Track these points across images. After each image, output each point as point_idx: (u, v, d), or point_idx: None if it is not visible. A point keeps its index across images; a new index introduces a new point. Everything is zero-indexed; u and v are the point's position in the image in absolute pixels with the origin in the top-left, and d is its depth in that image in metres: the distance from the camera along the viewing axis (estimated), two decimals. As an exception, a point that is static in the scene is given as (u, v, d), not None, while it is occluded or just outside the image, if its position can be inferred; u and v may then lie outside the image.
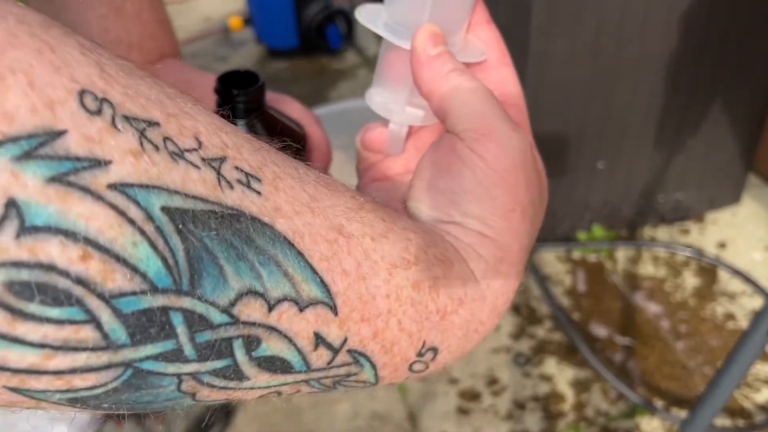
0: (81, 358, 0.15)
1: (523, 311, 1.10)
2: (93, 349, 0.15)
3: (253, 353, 0.17)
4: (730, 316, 1.08)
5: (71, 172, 0.14)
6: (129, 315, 0.15)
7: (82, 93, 0.14)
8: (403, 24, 0.27)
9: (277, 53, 1.93)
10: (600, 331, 1.06)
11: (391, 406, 0.95)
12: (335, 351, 0.19)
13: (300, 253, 0.18)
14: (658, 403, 0.95)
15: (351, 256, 0.19)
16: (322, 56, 1.95)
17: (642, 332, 1.06)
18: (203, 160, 0.16)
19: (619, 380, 0.95)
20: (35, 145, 0.13)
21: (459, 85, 0.25)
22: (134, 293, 0.15)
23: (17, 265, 0.13)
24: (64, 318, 0.14)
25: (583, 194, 1.19)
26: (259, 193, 0.17)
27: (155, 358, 0.16)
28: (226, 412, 0.94)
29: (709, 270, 1.17)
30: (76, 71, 0.15)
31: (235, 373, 0.17)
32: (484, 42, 0.28)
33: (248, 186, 0.17)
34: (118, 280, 0.14)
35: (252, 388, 0.18)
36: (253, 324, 0.17)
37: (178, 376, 0.16)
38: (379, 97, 0.29)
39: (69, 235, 0.14)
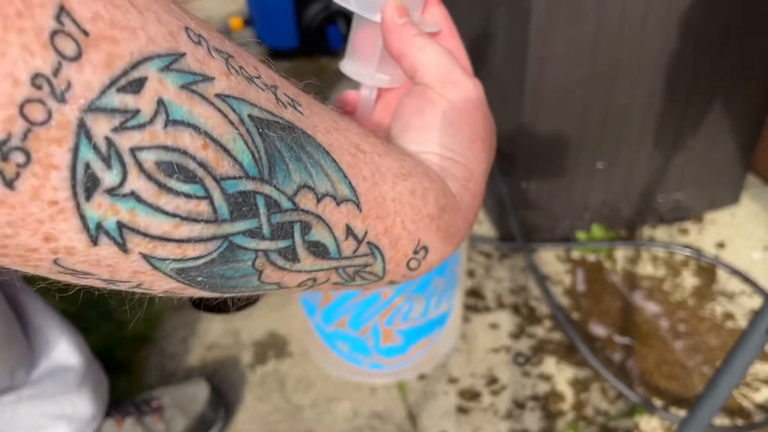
0: (197, 229, 0.19)
1: (522, 311, 1.11)
2: (206, 222, 0.19)
3: (305, 237, 0.22)
4: (729, 316, 1.08)
5: (193, 83, 0.18)
6: (230, 195, 0.19)
7: (187, 29, 0.19)
8: (371, 2, 0.32)
9: (278, 54, 1.93)
10: (599, 330, 1.07)
11: (391, 406, 0.96)
12: (359, 241, 0.24)
13: (334, 160, 0.23)
14: (657, 402, 0.95)
15: (367, 167, 0.24)
16: (323, 56, 1.96)
17: (641, 332, 1.06)
18: (265, 85, 0.21)
19: (618, 380, 0.95)
20: (170, 62, 0.18)
21: (424, 46, 0.30)
22: (235, 177, 0.19)
23: (165, 148, 0.17)
24: (191, 193, 0.18)
25: (583, 194, 1.19)
26: (302, 113, 0.22)
27: (244, 233, 0.20)
28: (226, 410, 0.94)
29: (708, 270, 1.17)
30: (177, 14, 0.19)
31: (292, 254, 0.22)
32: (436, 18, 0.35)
33: (294, 108, 0.22)
34: (225, 166, 0.19)
35: (299, 271, 0.23)
36: (308, 212, 0.22)
37: (256, 251, 0.21)
38: (351, 67, 0.35)
39: (195, 128, 0.18)
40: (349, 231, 0.23)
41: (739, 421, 0.92)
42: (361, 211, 0.24)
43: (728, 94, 1.13)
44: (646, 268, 1.18)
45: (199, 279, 0.20)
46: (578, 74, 1.02)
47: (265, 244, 0.21)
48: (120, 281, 0.19)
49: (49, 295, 1.10)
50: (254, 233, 0.20)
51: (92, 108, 0.16)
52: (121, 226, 0.17)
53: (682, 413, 0.92)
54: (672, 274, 1.16)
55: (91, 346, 0.84)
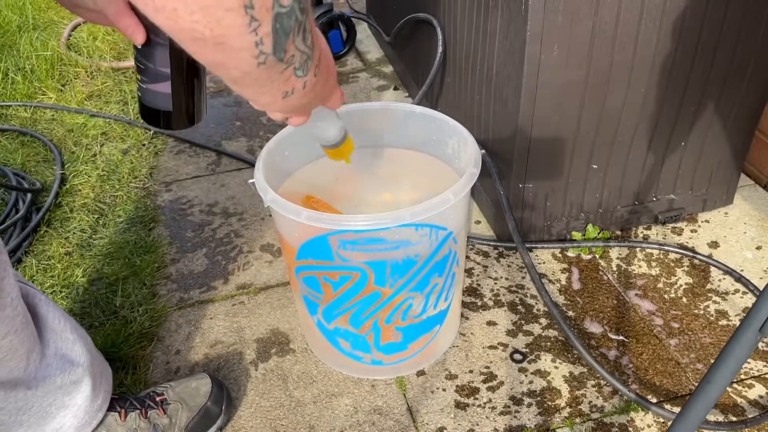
0: None
1: (519, 309, 1.12)
2: None
3: (305, 19, 0.43)
4: (722, 314, 1.10)
5: None
6: None
7: None
8: (326, 138, 0.76)
9: (278, 57, 1.94)
10: (594, 328, 1.08)
11: (391, 401, 0.97)
12: (312, 38, 0.47)
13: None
14: (652, 398, 0.97)
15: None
16: (323, 60, 1.97)
17: (635, 329, 1.08)
18: None
19: (613, 376, 0.97)
20: None
21: None
22: None
23: None
24: None
25: (578, 195, 1.21)
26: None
27: (299, 3, 0.41)
28: (228, 404, 0.96)
29: (701, 269, 1.19)
30: None
31: (303, 30, 0.43)
32: None
33: None
34: None
35: (295, 46, 0.44)
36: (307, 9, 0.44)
37: (297, 18, 0.41)
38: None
39: None
40: (310, 31, 0.45)
41: (733, 417, 0.94)
42: (312, 30, 0.46)
43: (721, 96, 1.15)
44: (640, 267, 1.20)
45: (278, 21, 0.39)
46: (574, 77, 1.04)
47: (300, 17, 0.41)
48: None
49: (53, 295, 1.11)
50: (299, 6, 0.40)
51: None
52: None
53: (676, 409, 0.94)
54: (666, 272, 1.18)
55: (98, 344, 0.86)
